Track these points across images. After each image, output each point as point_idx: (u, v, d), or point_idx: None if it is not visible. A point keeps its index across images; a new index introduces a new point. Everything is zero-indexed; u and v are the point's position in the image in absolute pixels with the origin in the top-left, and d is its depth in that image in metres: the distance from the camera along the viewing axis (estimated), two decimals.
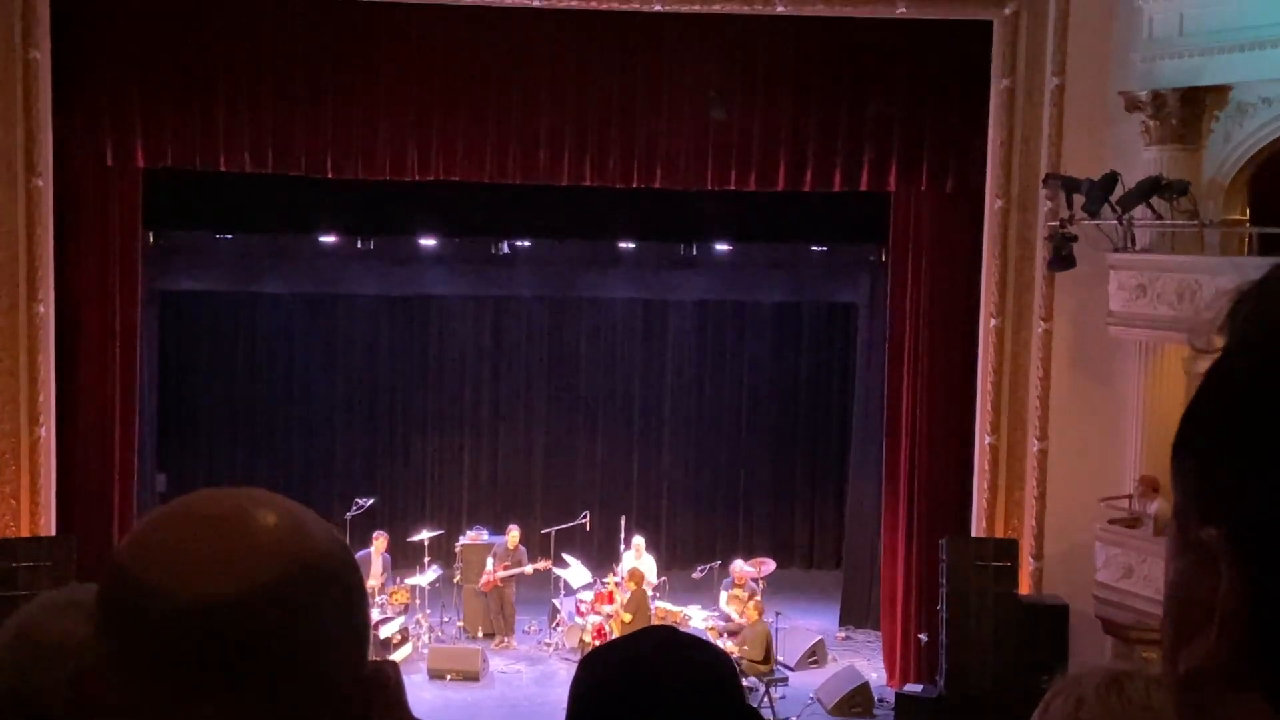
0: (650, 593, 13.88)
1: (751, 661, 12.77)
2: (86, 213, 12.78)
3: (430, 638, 14.58)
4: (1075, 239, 12.15)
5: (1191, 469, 0.75)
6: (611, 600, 13.75)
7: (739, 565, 14.35)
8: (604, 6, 12.79)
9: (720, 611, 13.99)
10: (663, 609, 13.72)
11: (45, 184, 12.35)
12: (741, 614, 13.60)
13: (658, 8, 12.78)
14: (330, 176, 13.05)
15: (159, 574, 1.01)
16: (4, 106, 12.11)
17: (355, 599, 1.09)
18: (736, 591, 13.98)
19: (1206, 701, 0.72)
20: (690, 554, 16.84)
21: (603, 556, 15.42)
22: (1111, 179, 11.69)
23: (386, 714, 1.12)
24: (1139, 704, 1.46)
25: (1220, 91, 11.85)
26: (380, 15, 12.77)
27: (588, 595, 14.23)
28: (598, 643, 13.02)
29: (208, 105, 12.71)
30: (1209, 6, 11.51)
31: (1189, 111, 11.87)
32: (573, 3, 12.75)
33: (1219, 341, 0.74)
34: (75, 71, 12.49)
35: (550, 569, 14.74)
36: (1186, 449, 0.75)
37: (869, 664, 14.30)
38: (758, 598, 13.80)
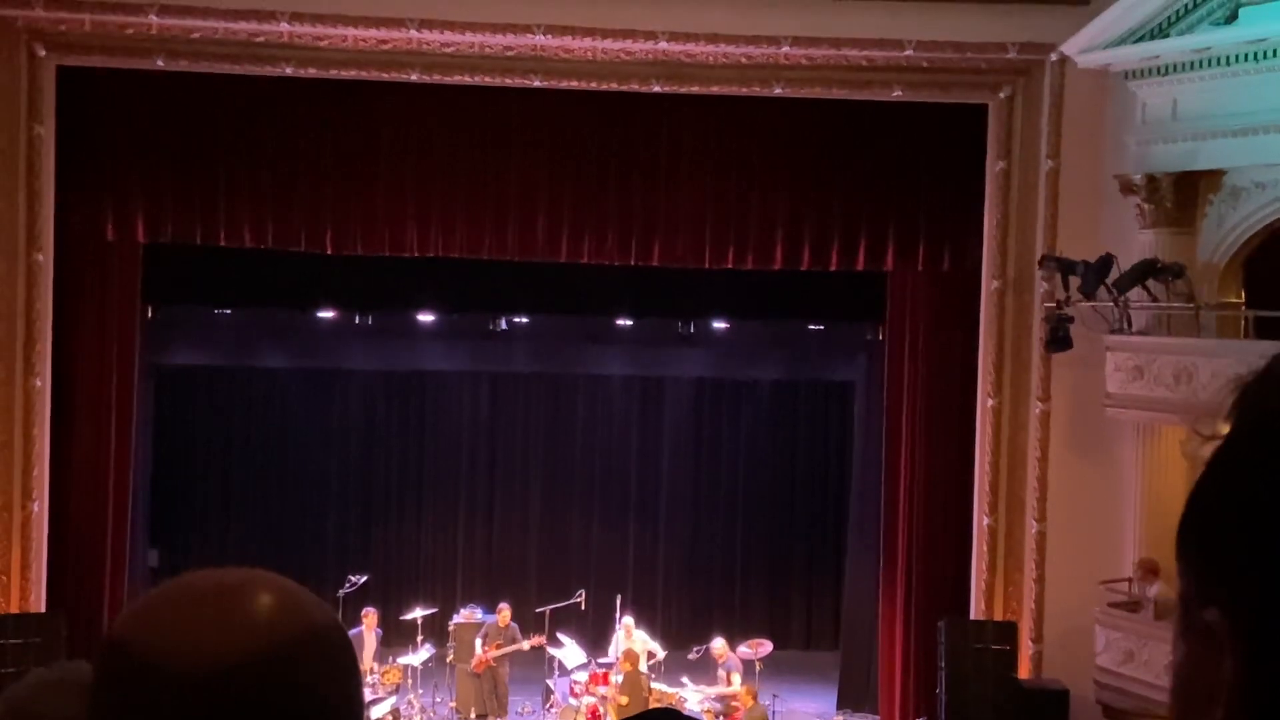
0: (646, 670, 13.74)
1: None
2: (86, 287, 12.83)
3: (422, 718, 14.39)
4: (1072, 320, 12.20)
5: (1195, 552, 0.75)
6: (606, 681, 13.60)
7: (717, 644, 14.17)
8: (603, 87, 12.96)
9: (716, 694, 13.83)
10: (658, 690, 13.56)
11: (45, 259, 12.42)
12: (726, 689, 13.46)
13: (657, 89, 12.95)
14: (329, 253, 13.13)
15: (154, 647, 1.01)
16: (7, 181, 12.21)
17: (350, 677, 1.09)
18: (720, 672, 13.84)
19: None
20: (686, 633, 16.67)
21: (598, 636, 15.26)
22: (1107, 261, 11.77)
23: None
24: None
25: (1214, 176, 11.97)
26: (380, 94, 12.92)
27: (582, 676, 14.07)
28: None
29: (208, 181, 12.82)
30: (1202, 92, 11.67)
31: (1183, 195, 11.98)
32: (572, 82, 12.92)
33: (1224, 428, 0.75)
34: (78, 147, 12.61)
35: (544, 645, 14.60)
36: (1190, 532, 0.76)
37: None
38: (738, 681, 13.59)
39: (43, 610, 12.11)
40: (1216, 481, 0.75)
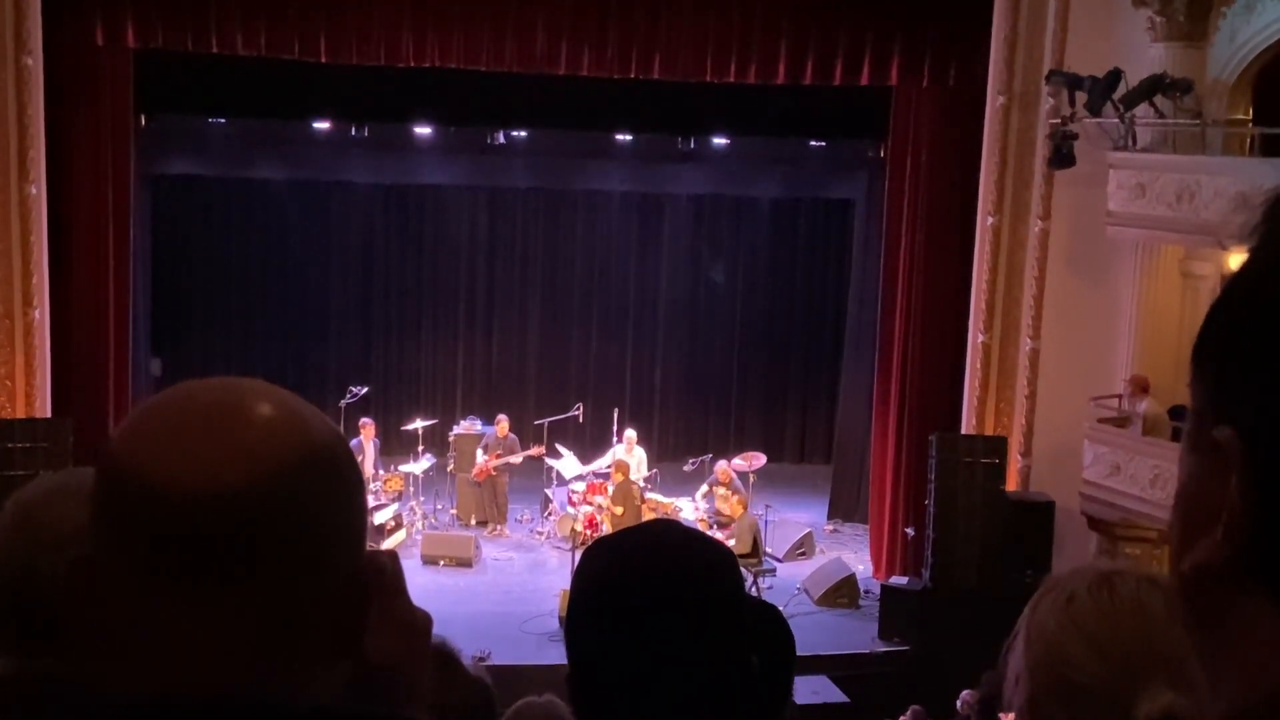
0: (642, 484, 14.00)
1: (739, 556, 12.90)
2: (78, 93, 12.59)
3: (424, 524, 14.74)
4: (1076, 137, 12.04)
5: (1211, 368, 0.74)
6: (603, 491, 13.88)
7: (722, 465, 14.41)
8: None
9: (709, 505, 14.12)
10: (654, 501, 13.85)
11: (35, 62, 12.15)
12: (727, 509, 13.73)
13: None
14: (323, 61, 12.85)
15: (154, 465, 1.00)
16: None
17: (352, 489, 1.08)
18: (721, 490, 14.09)
19: (1209, 598, 0.73)
20: (682, 447, 16.95)
21: (595, 448, 15.51)
22: (1115, 76, 11.56)
23: (387, 602, 1.13)
24: (1130, 601, 1.48)
25: None
26: None
27: (580, 486, 14.36)
28: (589, 532, 13.17)
29: None
30: None
31: (1196, 8, 11.68)
32: None
33: (1252, 242, 0.73)
34: None
35: (542, 455, 14.86)
36: (1207, 348, 0.75)
37: (856, 556, 14.49)
38: (742, 493, 13.89)
39: (49, 416, 12.26)
40: (1236, 297, 0.73)
